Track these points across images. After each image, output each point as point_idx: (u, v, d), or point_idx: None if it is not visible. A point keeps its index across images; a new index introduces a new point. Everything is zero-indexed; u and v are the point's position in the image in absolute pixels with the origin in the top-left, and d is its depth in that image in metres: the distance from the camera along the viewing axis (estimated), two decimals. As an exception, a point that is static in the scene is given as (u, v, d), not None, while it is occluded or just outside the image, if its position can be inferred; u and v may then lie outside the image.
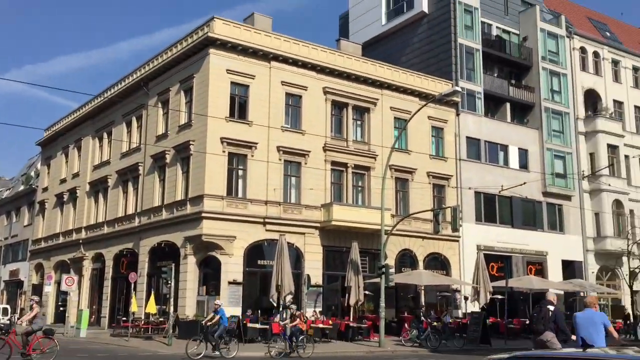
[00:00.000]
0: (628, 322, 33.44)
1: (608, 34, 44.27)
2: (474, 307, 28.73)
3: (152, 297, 25.19)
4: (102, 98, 35.29)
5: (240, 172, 26.86)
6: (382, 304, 22.61)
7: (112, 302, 31.64)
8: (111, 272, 32.03)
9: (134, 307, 25.14)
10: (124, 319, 26.01)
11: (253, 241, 26.28)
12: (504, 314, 27.80)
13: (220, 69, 26.47)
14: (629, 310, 33.15)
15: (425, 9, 36.55)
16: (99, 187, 34.78)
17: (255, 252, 26.49)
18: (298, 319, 18.24)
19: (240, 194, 26.57)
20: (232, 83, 26.84)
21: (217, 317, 17.77)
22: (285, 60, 28.16)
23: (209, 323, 18.07)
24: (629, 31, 49.06)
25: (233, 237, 25.50)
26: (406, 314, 28.05)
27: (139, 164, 30.63)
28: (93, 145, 36.45)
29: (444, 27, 35.27)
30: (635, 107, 42.78)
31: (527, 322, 30.13)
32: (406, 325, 25.01)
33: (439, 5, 35.84)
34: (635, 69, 43.61)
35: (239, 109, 27.02)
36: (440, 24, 35.59)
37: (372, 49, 38.22)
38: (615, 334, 9.60)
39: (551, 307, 11.38)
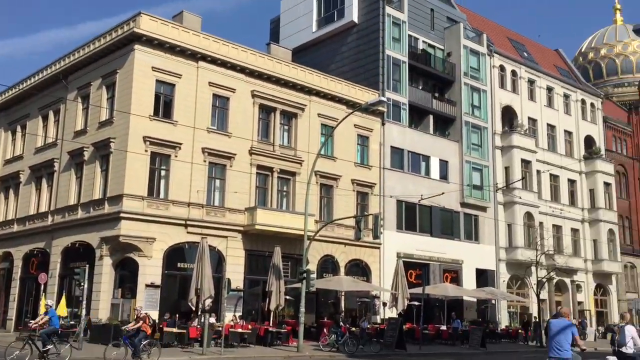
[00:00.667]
0: (529, 328, 35.15)
1: (525, 54, 46.62)
2: (391, 313, 29.35)
3: (63, 300, 24.09)
4: (17, 89, 33.54)
5: (163, 173, 26.24)
6: (302, 309, 22.70)
7: (19, 304, 30.08)
8: (20, 272, 30.47)
9: (42, 309, 23.96)
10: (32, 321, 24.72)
11: (173, 243, 25.72)
12: (419, 320, 28.55)
13: (145, 66, 25.81)
14: (537, 318, 34.83)
15: (355, 19, 37.18)
16: (9, 183, 33.05)
17: (176, 255, 25.92)
18: (142, 322, 17.52)
19: (162, 195, 25.96)
20: (158, 81, 26.22)
21: (47, 317, 16.86)
22: (213, 60, 27.83)
23: (34, 325, 17.37)
24: (544, 53, 51.92)
25: (153, 239, 24.86)
26: (326, 319, 28.27)
27: (55, 160, 29.33)
28: (5, 139, 34.62)
29: (373, 38, 35.98)
30: (548, 124, 45.23)
31: (442, 327, 31.17)
32: (325, 330, 25.20)
33: (369, 17, 36.55)
34: (549, 88, 46.10)
35: (163, 108, 26.43)
36: (369, 35, 36.28)
37: (302, 55, 38.43)
38: (581, 342, 10.69)
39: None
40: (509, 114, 42.61)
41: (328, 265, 31.07)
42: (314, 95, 31.53)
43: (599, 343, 37.63)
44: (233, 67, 28.44)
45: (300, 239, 25.48)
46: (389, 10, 36.05)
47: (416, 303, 29.66)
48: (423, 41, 39.10)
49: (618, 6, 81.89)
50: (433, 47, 39.68)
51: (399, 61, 36.13)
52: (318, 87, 31.62)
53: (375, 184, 33.41)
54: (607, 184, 47.50)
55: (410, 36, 37.63)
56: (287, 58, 33.07)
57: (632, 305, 45.40)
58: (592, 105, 49.68)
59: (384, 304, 30.58)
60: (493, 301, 37.18)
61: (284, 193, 30.21)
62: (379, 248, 32.66)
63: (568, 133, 46.91)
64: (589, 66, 76.28)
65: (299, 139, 30.64)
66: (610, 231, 46.67)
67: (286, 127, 30.92)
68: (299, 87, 30.86)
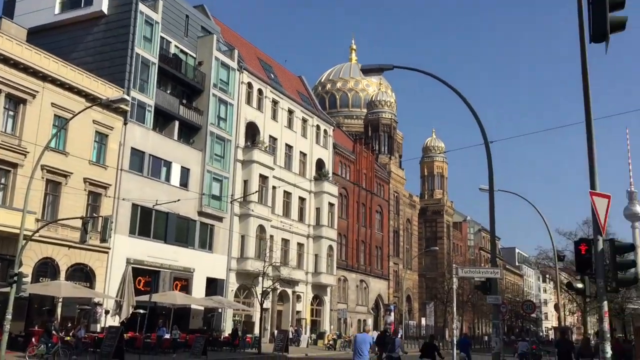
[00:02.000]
0: (238, 336, 36.79)
1: (272, 75, 49.32)
2: (114, 321, 28.01)
3: None
4: None
5: None
6: (8, 316, 20.33)
7: None
8: None
9: None
10: None
11: None
12: (143, 329, 27.77)
13: None
14: (236, 327, 36.54)
15: (105, 9, 35.21)
16: None
17: None
18: None
19: None
20: None
21: None
22: None
23: None
24: (289, 77, 55.55)
25: None
26: (37, 328, 25.74)
27: None
28: None
29: (122, 32, 34.44)
30: (287, 144, 48.36)
31: (166, 336, 30.71)
32: (34, 339, 22.94)
33: (120, 10, 34.93)
34: (290, 111, 49.40)
35: None
36: (119, 29, 34.65)
37: (41, 37, 34.81)
38: (374, 347, 16.06)
39: None
40: (252, 130, 44.45)
41: (47, 268, 28.40)
42: (48, 83, 28.82)
43: (310, 349, 41.13)
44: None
45: (16, 238, 22.84)
46: (142, 7, 34.95)
47: (142, 311, 28.82)
48: (175, 46, 38.74)
49: (354, 46, 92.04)
50: (185, 53, 39.57)
51: (149, 61, 35.18)
52: (55, 74, 29.01)
53: (111, 185, 31.76)
54: (331, 204, 52.50)
55: (162, 38, 36.97)
56: (21, 37, 29.67)
57: (340, 314, 50.67)
58: (325, 131, 54.60)
59: (107, 312, 29.06)
60: (220, 310, 38.01)
61: (2, 186, 26.89)
62: (107, 252, 31.00)
63: (303, 154, 50.76)
64: (326, 96, 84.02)
65: (27, 128, 27.64)
66: (330, 247, 51.57)
67: (11, 113, 27.66)
68: (31, 71, 27.92)
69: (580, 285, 13.00)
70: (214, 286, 38.37)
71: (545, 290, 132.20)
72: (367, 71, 17.92)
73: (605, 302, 11.50)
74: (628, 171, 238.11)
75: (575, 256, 12.23)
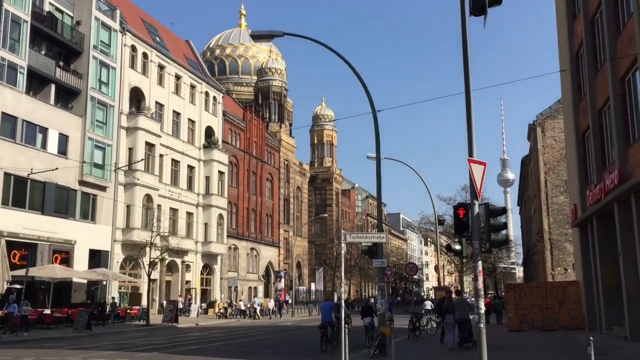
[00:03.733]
0: (141, 307, 36.04)
1: (158, 39, 47.30)
2: (-14, 298, 26.13)
3: None
4: None
5: None
6: None
7: None
8: None
9: None
10: None
11: None
12: (20, 305, 26.12)
13: None
14: (145, 298, 35.76)
15: (-32, -41, 31.82)
16: None
17: None
18: None
19: None
20: None
21: None
22: None
23: None
24: (176, 41, 53.58)
25: None
26: None
27: None
28: None
29: (-11, -14, 31.40)
30: (174, 111, 46.89)
31: (46, 311, 29.20)
32: None
33: (-15, -40, 31.74)
34: (177, 76, 47.80)
35: None
36: (-16, -18, 31.53)
37: None
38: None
39: None
40: (136, 96, 42.59)
41: None
42: None
43: (201, 319, 40.89)
44: None
45: None
46: (11, -41, 31.99)
47: (18, 286, 27.11)
48: (50, 3, 36.01)
49: (243, 12, 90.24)
50: (61, 11, 36.90)
51: (20, 19, 32.41)
52: None
53: (-22, 152, 29.26)
54: (221, 173, 51.85)
55: (35, -6, 34.15)
56: None
57: (231, 282, 50.69)
58: (214, 98, 53.49)
59: (-22, 289, 27.00)
60: (104, 282, 36.66)
61: None
62: (-24, 226, 28.72)
63: (191, 121, 49.49)
64: (215, 62, 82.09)
65: None
66: (220, 216, 51.10)
67: None
68: None
69: (457, 247, 13.86)
70: (97, 258, 36.82)
71: (427, 253, 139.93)
72: (257, 37, 17.68)
73: (480, 262, 12.34)
74: (502, 140, 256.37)
75: (454, 220, 12.98)
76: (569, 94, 24.79)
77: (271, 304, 48.86)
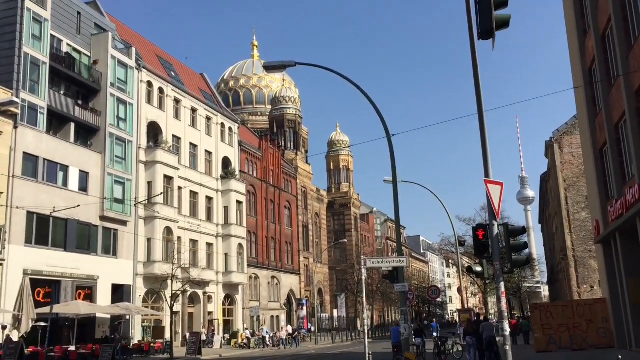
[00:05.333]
0: (165, 341, 36.02)
1: (173, 73, 48.15)
2: (12, 336, 26.36)
3: None
4: None
5: None
6: None
7: None
8: None
9: None
10: None
11: None
12: (44, 342, 26.36)
13: None
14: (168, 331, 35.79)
15: (-11, 6, 32.90)
16: None
17: None
18: None
19: None
20: None
21: None
22: None
23: None
24: (190, 75, 54.48)
25: None
26: None
27: None
28: None
29: (9, 31, 32.31)
30: (191, 143, 47.44)
31: (71, 348, 29.36)
32: None
33: (5, 7, 32.73)
34: (193, 109, 48.48)
35: None
36: (5, 27, 32.48)
37: None
38: None
39: None
40: (154, 130, 43.23)
41: None
42: None
43: (224, 350, 40.74)
44: None
45: None
46: (29, 4, 32.95)
47: (42, 324, 27.35)
48: (68, 44, 36.90)
49: (255, 43, 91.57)
50: (79, 52, 37.77)
51: (39, 61, 33.25)
52: None
53: (2, 193, 29.80)
54: (239, 202, 52.11)
55: (53, 37, 35.08)
56: None
57: (253, 312, 50.52)
58: (230, 129, 54.07)
59: (4, 327, 27.30)
60: (127, 316, 36.78)
61: None
62: (1, 264, 29.11)
63: (208, 153, 50.00)
64: (230, 93, 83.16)
65: None
66: (240, 245, 51.22)
67: None
68: None
69: (479, 269, 13.78)
70: (120, 292, 37.02)
71: (449, 275, 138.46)
72: (269, 68, 17.99)
73: (502, 283, 12.27)
74: (519, 157, 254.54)
75: (474, 241, 12.95)
76: (584, 110, 24.71)
77: (283, 333, 46.99)
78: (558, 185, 36.64)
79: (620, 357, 11.11)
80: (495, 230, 12.20)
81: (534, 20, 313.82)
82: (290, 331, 47.91)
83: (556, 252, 46.75)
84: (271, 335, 46.51)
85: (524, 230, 13.72)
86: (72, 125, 36.03)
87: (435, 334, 25.77)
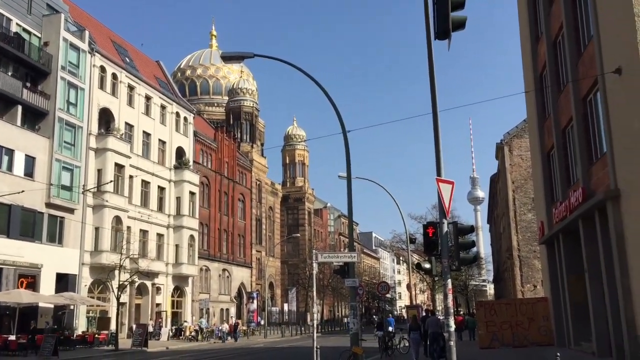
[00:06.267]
0: (110, 332, 35.28)
1: (127, 59, 47.03)
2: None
3: None
4: None
5: None
6: None
7: None
8: None
9: None
10: None
11: None
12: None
13: None
14: (114, 322, 35.06)
15: None
16: None
17: None
18: None
19: None
20: None
21: None
22: None
23: None
24: (145, 62, 53.35)
25: None
26: None
27: None
28: None
29: (-46, 6, 30.97)
30: (144, 132, 46.51)
31: (11, 337, 28.44)
32: None
33: (-49, -20, 31.35)
34: (147, 97, 47.51)
35: None
36: (-51, 2, 31.11)
37: None
38: None
39: None
40: (106, 116, 42.18)
41: None
42: None
43: (172, 342, 40.23)
44: None
45: None
46: (-23, -21, 31.66)
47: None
48: (17, 24, 35.58)
49: (214, 33, 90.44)
50: (29, 32, 36.46)
51: (-14, 40, 31.97)
52: None
53: (-59, 175, 28.57)
54: (192, 193, 51.44)
55: (1, 15, 33.83)
56: None
57: (202, 305, 50.03)
58: (185, 119, 53.25)
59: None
60: (72, 306, 35.87)
61: None
62: (-62, 250, 27.93)
63: (162, 142, 49.14)
64: (186, 82, 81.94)
65: None
66: (191, 237, 50.59)
67: None
68: None
69: (427, 266, 14.01)
70: (64, 282, 36.04)
71: (399, 272, 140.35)
72: (227, 58, 17.79)
73: (449, 281, 12.50)
74: (471, 158, 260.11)
75: (424, 238, 13.15)
76: (534, 114, 25.38)
77: (225, 326, 44.73)
78: (507, 187, 37.59)
79: (558, 354, 11.49)
80: (445, 228, 12.41)
81: (491, 23, 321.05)
82: (226, 327, 45.30)
83: (502, 252, 48.01)
84: (207, 327, 45.50)
85: (472, 229, 14.01)
86: (19, 108, 34.82)
87: (391, 329, 26.14)
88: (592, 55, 17.06)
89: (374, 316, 72.88)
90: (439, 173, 12.74)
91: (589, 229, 18.07)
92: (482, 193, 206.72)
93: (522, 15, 27.10)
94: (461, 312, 57.06)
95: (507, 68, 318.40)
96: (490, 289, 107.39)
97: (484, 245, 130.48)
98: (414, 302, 45.05)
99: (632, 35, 13.52)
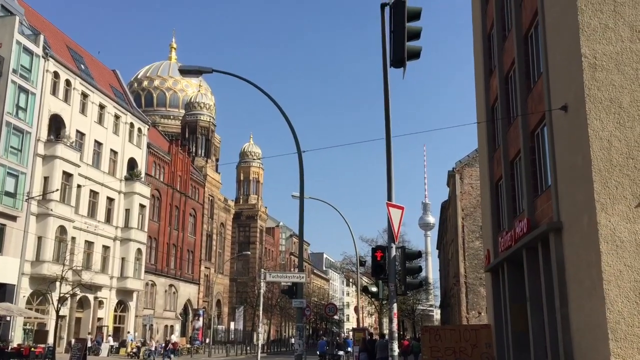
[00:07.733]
0: (47, 346, 33.91)
1: (83, 66, 46.12)
2: None
3: None
4: None
5: None
6: None
7: None
8: None
9: None
10: None
11: None
12: None
13: None
14: (52, 336, 33.81)
15: None
16: None
17: None
18: None
19: None
20: None
21: None
22: None
23: None
24: (102, 70, 52.45)
25: None
26: None
27: None
28: None
29: None
30: (95, 141, 45.49)
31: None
32: None
33: None
34: (101, 106, 46.59)
35: None
36: None
37: None
38: None
39: None
40: (57, 123, 41.10)
41: None
42: None
43: (112, 358, 39.05)
44: None
45: None
46: None
47: None
48: (-31, 23, 34.51)
49: (174, 45, 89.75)
50: (-20, 32, 35.38)
51: None
52: None
53: None
54: (142, 206, 50.44)
55: (-48, 12, 32.71)
56: None
57: (146, 320, 48.77)
58: (139, 130, 52.38)
59: None
60: (8, 318, 34.43)
61: None
62: None
63: (114, 152, 48.14)
64: (142, 93, 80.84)
65: None
66: (139, 250, 49.48)
67: None
68: None
69: (374, 289, 14.10)
70: (2, 292, 34.65)
71: (348, 294, 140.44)
72: (185, 72, 17.68)
73: (395, 305, 12.61)
74: (424, 184, 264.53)
75: (372, 262, 13.26)
76: (485, 145, 26.04)
77: (152, 344, 41.52)
78: (456, 214, 38.33)
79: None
80: (393, 252, 12.56)
81: (447, 52, 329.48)
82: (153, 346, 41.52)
83: (450, 278, 48.76)
84: (134, 341, 44.03)
85: (419, 255, 14.22)
86: (-35, 109, 33.61)
87: (350, 349, 26.47)
88: (540, 91, 17.70)
89: (324, 337, 72.62)
90: (389, 197, 12.91)
91: (532, 259, 18.56)
92: (433, 219, 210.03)
93: (477, 48, 27.93)
94: (407, 337, 57.45)
95: (460, 98, 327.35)
96: (437, 314, 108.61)
97: (432, 270, 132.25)
98: (362, 325, 45.14)
99: (579, 74, 14.10)
